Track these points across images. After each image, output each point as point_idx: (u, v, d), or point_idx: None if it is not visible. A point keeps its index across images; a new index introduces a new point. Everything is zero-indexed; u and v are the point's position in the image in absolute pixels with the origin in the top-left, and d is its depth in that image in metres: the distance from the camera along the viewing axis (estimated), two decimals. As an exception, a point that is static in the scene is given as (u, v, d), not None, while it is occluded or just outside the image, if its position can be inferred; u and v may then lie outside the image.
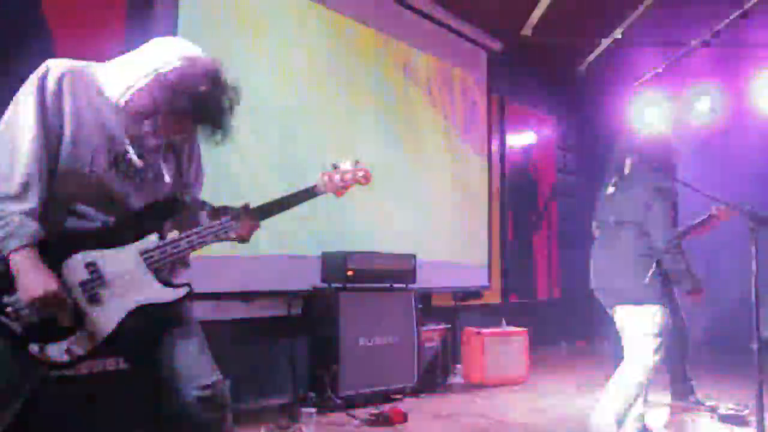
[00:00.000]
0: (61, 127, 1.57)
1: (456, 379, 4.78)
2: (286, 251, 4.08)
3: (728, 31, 5.42)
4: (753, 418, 3.62)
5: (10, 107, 1.56)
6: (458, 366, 4.88)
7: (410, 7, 5.17)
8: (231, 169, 3.70)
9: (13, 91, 1.59)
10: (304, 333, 4.09)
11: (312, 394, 3.82)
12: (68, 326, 1.57)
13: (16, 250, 1.48)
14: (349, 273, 3.98)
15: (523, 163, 6.92)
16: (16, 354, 1.54)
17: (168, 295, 1.70)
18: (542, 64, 6.74)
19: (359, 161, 1.99)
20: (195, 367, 1.72)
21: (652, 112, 6.93)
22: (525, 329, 4.96)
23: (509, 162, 6.66)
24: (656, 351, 2.87)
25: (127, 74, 1.63)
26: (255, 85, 3.91)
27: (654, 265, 2.88)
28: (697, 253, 4.24)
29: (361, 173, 1.98)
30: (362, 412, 3.67)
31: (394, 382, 4.13)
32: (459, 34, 5.76)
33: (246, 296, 3.81)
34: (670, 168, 3.11)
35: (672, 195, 3.00)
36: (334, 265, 4.05)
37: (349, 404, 3.79)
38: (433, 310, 5.19)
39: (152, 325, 1.70)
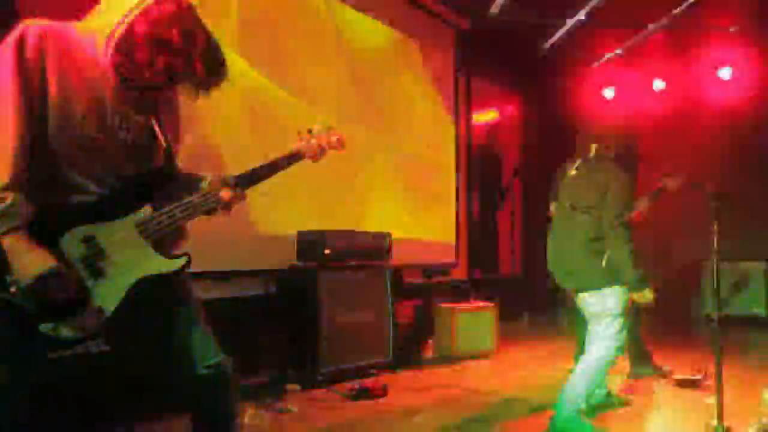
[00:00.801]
0: (45, 90, 1.48)
1: (428, 353, 4.89)
2: (260, 230, 4.07)
3: (686, 16, 5.60)
4: (707, 383, 3.84)
5: None
6: (430, 340, 4.98)
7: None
8: (212, 140, 3.70)
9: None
10: (282, 312, 4.09)
11: (292, 372, 3.87)
12: (78, 303, 1.51)
13: (6, 233, 1.39)
14: (327, 252, 3.98)
15: (488, 141, 7.03)
16: (26, 335, 1.47)
17: (167, 266, 1.67)
18: (508, 43, 6.75)
19: (332, 126, 2.00)
20: (202, 347, 1.73)
21: (610, 93, 7.15)
22: (494, 304, 5.10)
23: (475, 140, 6.72)
24: (620, 330, 2.92)
25: (106, 20, 1.54)
26: (234, 59, 3.84)
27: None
28: (652, 230, 4.46)
29: (335, 137, 2.00)
30: (343, 387, 3.73)
31: (372, 358, 4.19)
32: (428, 11, 5.76)
33: (222, 275, 3.78)
34: (630, 157, 3.14)
35: (630, 183, 3.00)
36: (310, 244, 4.04)
37: (330, 380, 3.83)
38: (404, 287, 5.25)
39: (156, 300, 1.67)
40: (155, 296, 1.65)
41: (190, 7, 1.58)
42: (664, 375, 4.14)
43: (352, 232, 4.29)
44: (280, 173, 1.90)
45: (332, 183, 4.60)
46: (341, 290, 4.06)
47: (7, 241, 1.40)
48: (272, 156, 1.89)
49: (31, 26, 1.48)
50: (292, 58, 4.41)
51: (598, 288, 2.90)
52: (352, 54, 4.95)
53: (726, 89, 6.51)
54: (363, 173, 4.94)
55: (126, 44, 1.52)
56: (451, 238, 6.09)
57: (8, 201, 1.39)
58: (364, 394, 3.61)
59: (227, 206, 1.77)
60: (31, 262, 1.41)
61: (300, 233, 4.12)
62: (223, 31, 3.84)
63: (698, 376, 3.93)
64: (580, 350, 3.37)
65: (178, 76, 1.61)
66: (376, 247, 4.38)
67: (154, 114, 1.71)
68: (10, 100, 1.42)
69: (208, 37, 1.60)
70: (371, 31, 5.16)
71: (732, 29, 5.97)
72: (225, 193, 1.74)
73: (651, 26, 5.84)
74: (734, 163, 6.58)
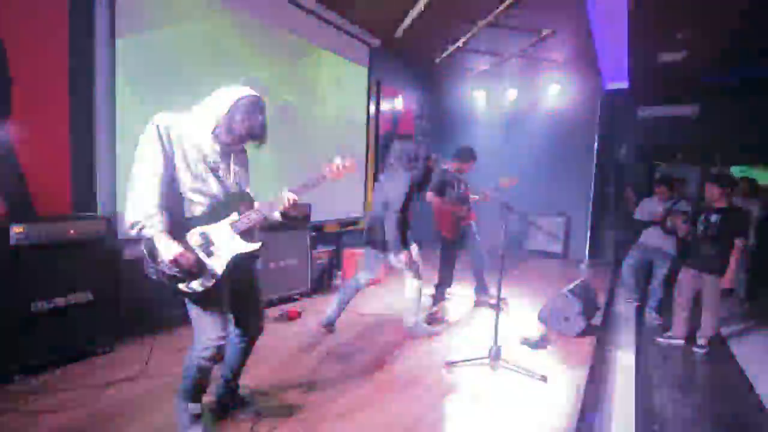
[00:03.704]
0: (173, 160, 2.02)
1: (337, 283, 5.39)
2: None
3: (531, 49, 6.18)
4: (506, 307, 4.64)
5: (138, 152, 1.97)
6: (339, 273, 5.55)
7: (312, 12, 5.29)
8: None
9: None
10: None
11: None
12: (201, 270, 2.06)
13: (160, 232, 1.94)
14: (264, 218, 4.40)
15: (392, 129, 7.29)
16: (173, 286, 2.06)
17: (249, 247, 2.16)
18: (409, 57, 7.03)
19: (347, 156, 2.33)
20: (253, 309, 2.41)
21: (480, 96, 7.71)
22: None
23: (382, 128, 7.01)
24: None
25: (210, 116, 2.07)
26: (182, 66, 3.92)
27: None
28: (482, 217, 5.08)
29: (348, 163, 2.31)
30: (274, 312, 4.18)
31: (294, 289, 4.72)
32: (348, 33, 5.91)
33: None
34: (412, 165, 3.53)
35: (408, 185, 3.44)
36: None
37: (264, 306, 4.11)
38: (325, 236, 5.73)
39: (242, 268, 2.21)
40: (241, 263, 2.18)
41: (256, 106, 2.10)
42: (493, 301, 4.67)
43: (283, 203, 4.65)
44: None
45: (269, 166, 4.89)
46: (275, 244, 4.47)
47: (158, 238, 1.95)
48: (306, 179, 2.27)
49: (160, 120, 2.00)
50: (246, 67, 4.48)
51: (387, 252, 3.63)
52: (291, 65, 5.10)
53: (553, 102, 7.20)
54: (296, 158, 5.22)
55: (221, 133, 2.10)
56: (362, 199, 6.55)
57: (158, 217, 1.95)
58: (284, 317, 4.08)
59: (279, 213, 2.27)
60: (166, 250, 1.96)
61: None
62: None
63: (503, 300, 4.61)
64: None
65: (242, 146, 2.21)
66: (301, 213, 4.83)
67: (235, 160, 2.23)
68: (153, 165, 1.97)
69: (263, 116, 2.13)
70: (306, 48, 5.29)
71: (559, 60, 6.52)
72: (279, 207, 2.23)
73: (507, 53, 6.37)
74: (552, 154, 7.31)
